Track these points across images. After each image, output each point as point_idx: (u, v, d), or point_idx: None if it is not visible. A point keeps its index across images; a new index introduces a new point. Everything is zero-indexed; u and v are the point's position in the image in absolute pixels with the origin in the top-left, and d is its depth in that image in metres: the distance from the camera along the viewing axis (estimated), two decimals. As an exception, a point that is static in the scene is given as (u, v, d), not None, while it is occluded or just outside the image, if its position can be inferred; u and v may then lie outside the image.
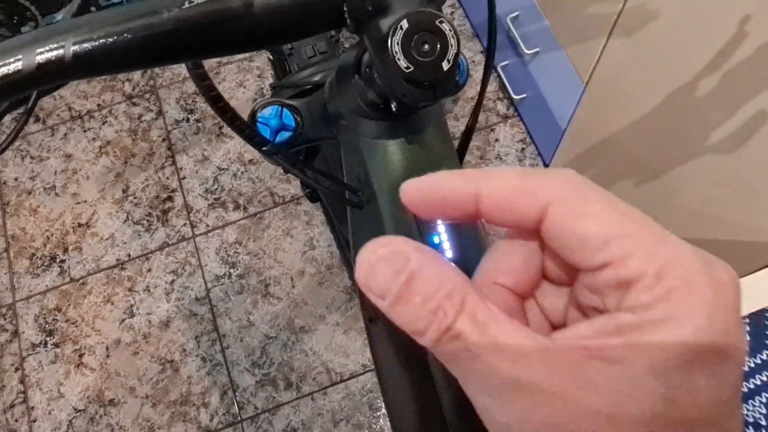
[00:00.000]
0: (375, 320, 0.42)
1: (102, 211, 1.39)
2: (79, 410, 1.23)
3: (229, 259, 1.33)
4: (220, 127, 1.46)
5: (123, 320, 1.29)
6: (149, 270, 1.33)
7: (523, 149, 1.37)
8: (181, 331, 1.27)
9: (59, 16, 1.44)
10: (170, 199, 1.39)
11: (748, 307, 0.59)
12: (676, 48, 0.74)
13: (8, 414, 1.24)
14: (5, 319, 1.31)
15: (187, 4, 0.25)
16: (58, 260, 1.36)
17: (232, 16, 0.25)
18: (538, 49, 1.10)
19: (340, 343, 1.24)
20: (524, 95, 1.27)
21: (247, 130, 0.36)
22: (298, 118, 0.46)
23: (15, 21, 1.20)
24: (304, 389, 1.21)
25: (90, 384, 1.25)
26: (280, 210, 1.36)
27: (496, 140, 1.39)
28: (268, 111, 0.45)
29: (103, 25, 0.24)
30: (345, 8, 0.27)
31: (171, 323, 1.28)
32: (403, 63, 0.26)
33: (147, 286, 1.32)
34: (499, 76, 1.40)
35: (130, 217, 1.38)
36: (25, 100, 0.28)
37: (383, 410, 1.19)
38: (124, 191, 1.41)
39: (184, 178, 1.41)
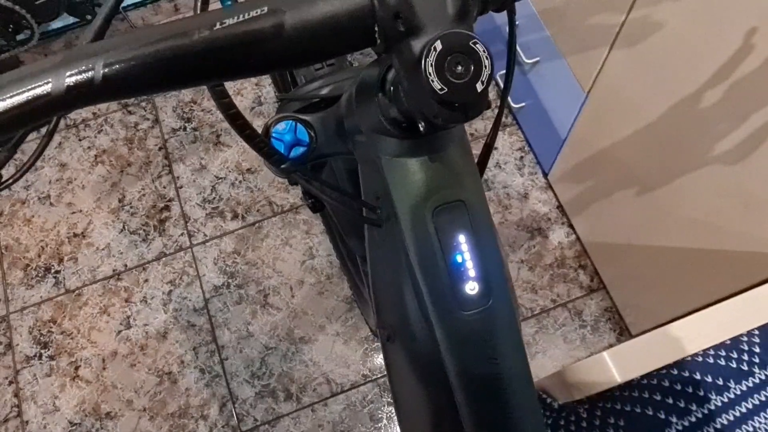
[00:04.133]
0: (392, 339, 0.42)
1: (98, 220, 1.38)
2: (75, 424, 1.21)
3: (228, 269, 1.31)
4: (218, 136, 1.45)
5: (119, 332, 1.28)
6: (146, 280, 1.32)
7: (521, 158, 1.37)
8: (179, 343, 1.26)
9: (54, 25, 1.43)
10: (167, 208, 1.38)
11: (757, 320, 0.59)
12: (681, 59, 0.74)
13: (2, 429, 1.22)
14: (-1, 332, 1.29)
15: (218, 26, 0.24)
16: (52, 271, 1.34)
17: (264, 37, 0.25)
18: (538, 59, 1.11)
19: (340, 354, 1.23)
20: (523, 104, 1.27)
21: (266, 148, 0.36)
22: (312, 134, 0.45)
23: (11, 29, 1.19)
24: (304, 400, 1.20)
25: (86, 397, 1.23)
26: (279, 219, 1.35)
27: (495, 148, 1.39)
28: (282, 126, 0.45)
29: (134, 46, 0.23)
30: (375, 28, 0.27)
31: (169, 334, 1.27)
32: (437, 84, 0.26)
33: (144, 297, 1.30)
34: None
35: (126, 227, 1.37)
36: (47, 121, 0.27)
37: (384, 421, 1.18)
38: (120, 201, 1.40)
39: (181, 187, 1.40)
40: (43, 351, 1.27)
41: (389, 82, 0.32)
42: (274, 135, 0.44)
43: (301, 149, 0.45)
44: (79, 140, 1.47)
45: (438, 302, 0.36)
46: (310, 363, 1.23)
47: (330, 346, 1.24)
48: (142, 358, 1.25)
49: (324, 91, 0.59)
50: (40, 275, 1.33)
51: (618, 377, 0.58)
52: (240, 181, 1.40)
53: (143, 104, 1.50)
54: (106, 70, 0.23)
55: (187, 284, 1.31)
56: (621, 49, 0.85)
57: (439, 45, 0.26)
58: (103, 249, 1.35)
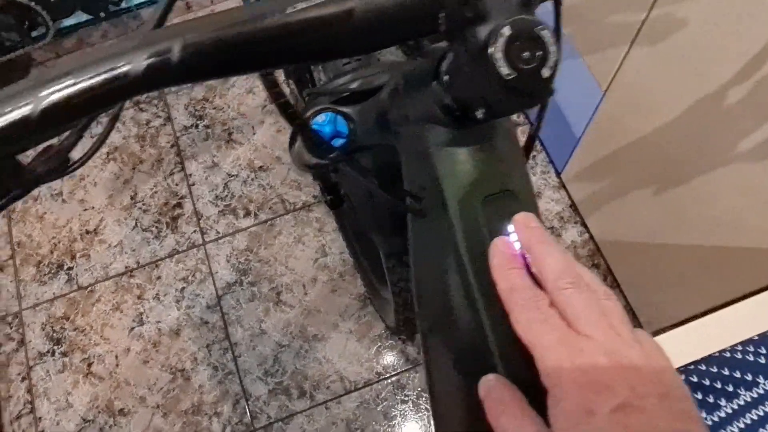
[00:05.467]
0: (434, 329, 0.42)
1: (110, 217, 1.38)
2: (88, 420, 1.21)
3: (240, 266, 1.31)
4: (229, 134, 1.45)
5: (132, 328, 1.28)
6: (159, 277, 1.32)
7: (534, 156, 1.37)
8: (192, 340, 1.26)
9: (68, 21, 1.43)
10: (179, 205, 1.38)
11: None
12: (703, 56, 0.74)
13: (15, 425, 1.22)
14: (11, 328, 1.29)
15: (291, 10, 0.24)
16: (65, 268, 1.34)
17: (334, 21, 0.25)
18: (553, 57, 1.11)
19: (353, 351, 1.23)
20: (537, 103, 1.27)
21: (315, 138, 0.36)
22: (352, 125, 0.46)
23: (26, 26, 1.19)
24: (317, 398, 1.20)
25: (99, 393, 1.23)
26: (292, 217, 1.35)
27: (507, 147, 1.39)
28: (321, 118, 0.45)
29: (210, 29, 0.24)
30: (441, 15, 0.27)
31: (181, 331, 1.27)
32: (504, 70, 0.26)
33: (156, 294, 1.30)
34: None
35: (138, 224, 1.37)
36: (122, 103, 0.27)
37: (398, 419, 1.18)
38: (132, 198, 1.40)
39: (193, 184, 1.40)
40: (55, 347, 1.27)
41: (445, 71, 0.32)
42: (314, 126, 0.45)
43: (340, 141, 0.45)
44: (91, 137, 1.46)
45: (488, 293, 0.36)
46: (324, 360, 1.23)
47: (343, 343, 1.24)
48: (155, 355, 1.25)
49: (354, 85, 0.59)
50: (52, 272, 1.33)
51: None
52: (252, 179, 1.40)
53: (155, 102, 1.50)
54: (184, 52, 0.23)
55: (199, 281, 1.31)
56: (641, 47, 0.85)
57: (507, 31, 0.26)
58: (115, 246, 1.35)
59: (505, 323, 0.37)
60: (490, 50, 0.26)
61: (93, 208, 1.39)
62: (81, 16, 1.44)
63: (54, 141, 0.25)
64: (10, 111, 0.21)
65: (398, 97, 0.38)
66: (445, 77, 0.32)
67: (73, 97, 0.22)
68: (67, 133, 0.26)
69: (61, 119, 0.22)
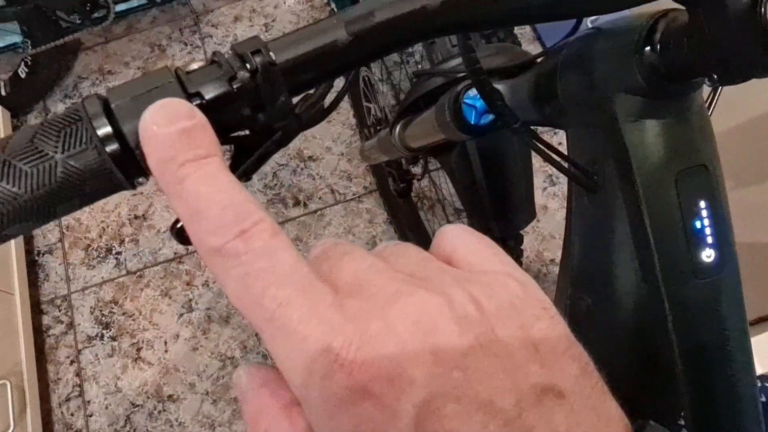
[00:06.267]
0: (592, 308, 0.41)
1: (159, 203, 1.37)
2: (137, 405, 1.20)
3: (290, 255, 1.31)
4: (278, 123, 1.45)
5: (181, 314, 1.27)
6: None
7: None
8: (241, 328, 1.25)
9: (123, 6, 1.43)
10: (228, 193, 1.38)
11: None
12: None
13: (63, 408, 1.21)
14: (60, 311, 1.29)
15: None
16: (114, 252, 1.33)
17: None
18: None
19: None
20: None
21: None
22: (501, 102, 0.45)
23: (88, 8, 1.19)
24: (368, 389, 1.19)
25: (148, 379, 1.22)
26: (341, 207, 1.35)
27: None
28: (473, 92, 0.44)
29: None
30: None
31: (231, 319, 1.26)
32: (774, 29, 0.25)
33: (206, 281, 1.30)
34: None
35: (187, 211, 1.36)
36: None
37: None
38: (181, 184, 1.39)
39: (242, 172, 1.39)
40: (104, 331, 1.27)
41: (662, 36, 0.31)
42: (466, 101, 0.44)
43: (491, 116, 0.44)
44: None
45: (671, 268, 0.35)
46: (374, 352, 1.22)
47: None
48: (204, 341, 1.25)
49: (492, 63, 0.58)
50: (101, 256, 1.33)
51: (759, 367, 0.58)
52: (301, 168, 1.39)
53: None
54: None
55: (249, 269, 1.30)
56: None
57: None
58: (164, 231, 1.35)
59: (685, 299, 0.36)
60: (761, 8, 0.25)
61: (141, 193, 1.39)
62: (133, 2, 1.44)
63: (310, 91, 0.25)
64: (324, 35, 0.23)
65: (577, 67, 0.37)
66: (659, 44, 0.32)
67: (378, 27, 0.22)
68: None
69: (366, 48, 0.23)
